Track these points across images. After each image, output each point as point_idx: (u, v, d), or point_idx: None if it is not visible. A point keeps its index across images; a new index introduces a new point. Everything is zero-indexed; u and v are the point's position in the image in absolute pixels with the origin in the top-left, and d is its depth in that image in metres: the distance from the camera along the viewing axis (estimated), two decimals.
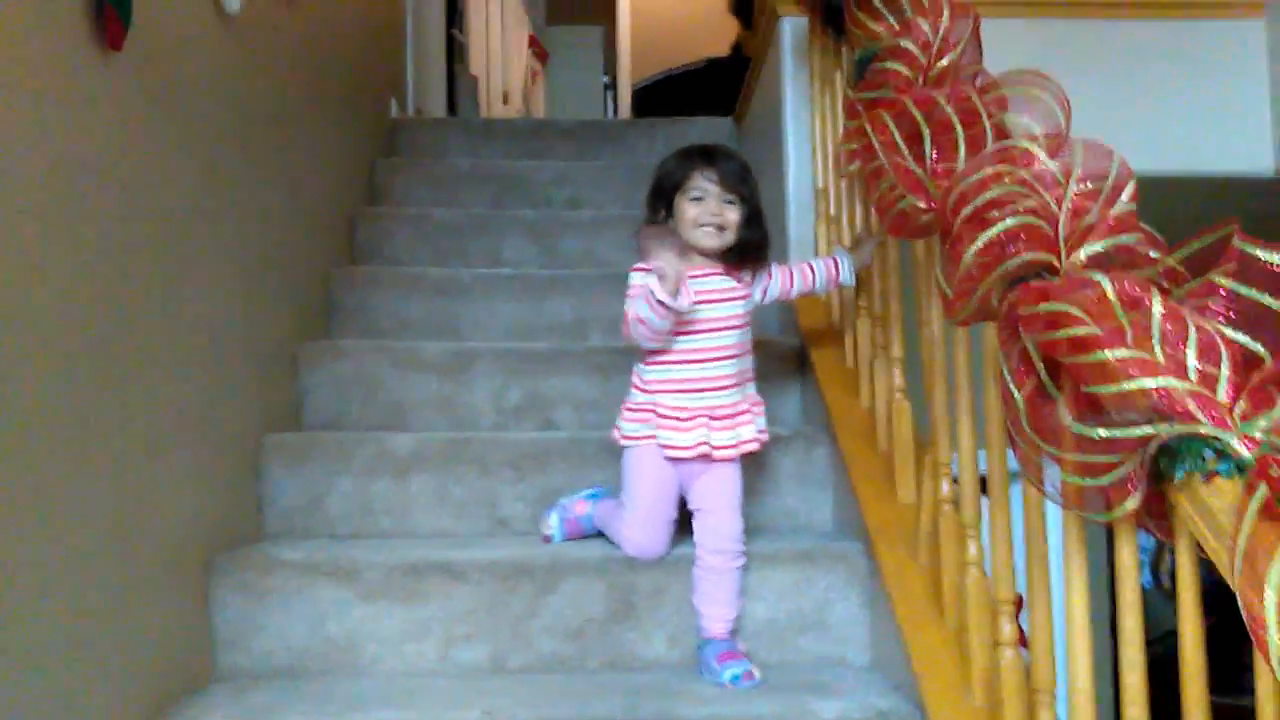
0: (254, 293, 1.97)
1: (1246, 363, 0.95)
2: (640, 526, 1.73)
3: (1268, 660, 0.72)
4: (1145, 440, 0.89)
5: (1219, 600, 0.93)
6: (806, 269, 1.89)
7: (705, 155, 1.74)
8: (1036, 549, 1.24)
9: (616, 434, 1.78)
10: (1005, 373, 1.10)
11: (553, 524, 1.88)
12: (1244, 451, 0.85)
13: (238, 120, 1.90)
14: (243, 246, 1.91)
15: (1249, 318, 0.98)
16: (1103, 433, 0.92)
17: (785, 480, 2.00)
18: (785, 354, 2.27)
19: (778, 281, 1.86)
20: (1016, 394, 1.07)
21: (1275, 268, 0.97)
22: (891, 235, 1.69)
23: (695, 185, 1.71)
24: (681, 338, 1.72)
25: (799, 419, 2.24)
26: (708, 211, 1.70)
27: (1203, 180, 2.35)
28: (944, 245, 1.27)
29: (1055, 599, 1.21)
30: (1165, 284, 1.07)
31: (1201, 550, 0.91)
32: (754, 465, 1.97)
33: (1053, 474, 1.05)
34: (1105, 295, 0.98)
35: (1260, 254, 0.97)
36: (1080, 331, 0.95)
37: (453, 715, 1.48)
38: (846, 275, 1.91)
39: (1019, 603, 1.36)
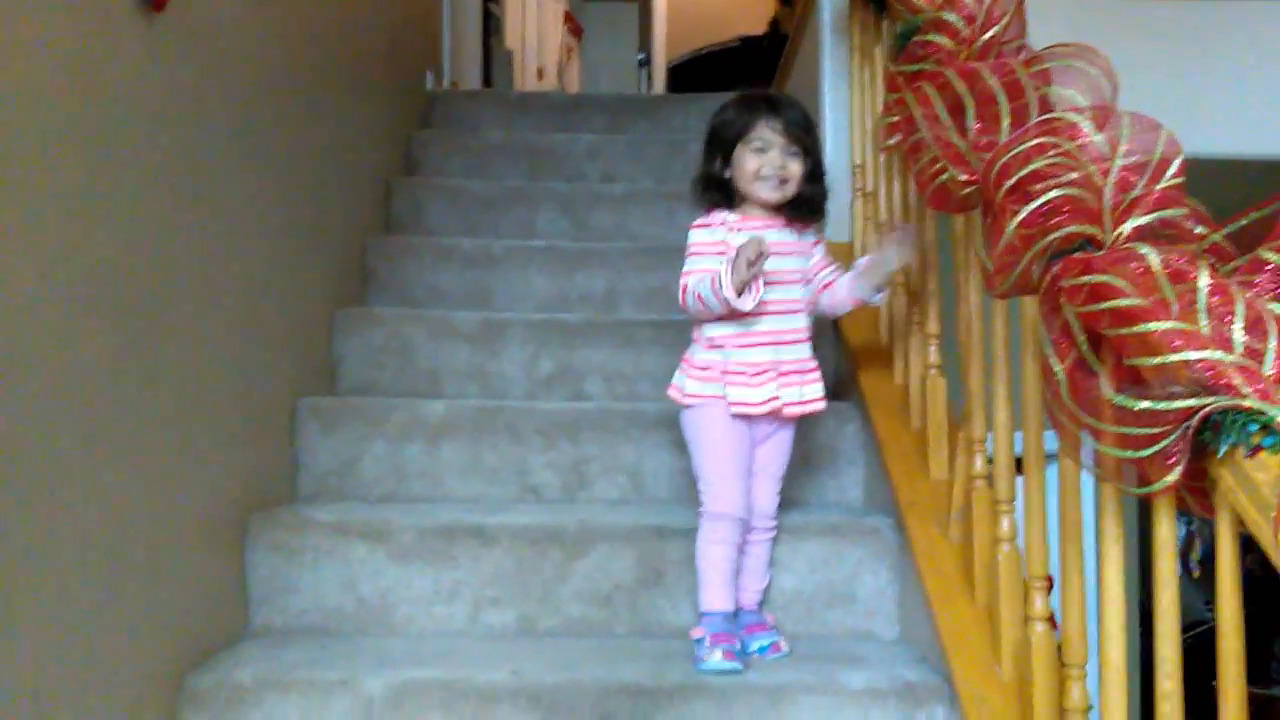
0: (291, 258, 1.99)
1: None
2: (727, 480, 1.62)
3: None
4: (1188, 413, 0.88)
5: (1248, 592, 0.92)
6: (838, 292, 1.73)
7: (769, 103, 1.65)
8: (1071, 524, 1.23)
9: (676, 394, 1.69)
10: (1046, 346, 1.09)
11: (715, 656, 1.56)
12: None
13: (276, 86, 1.92)
14: (280, 211, 1.92)
15: None
16: (1145, 405, 0.91)
17: (815, 454, 2.00)
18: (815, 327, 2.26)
19: (827, 273, 1.73)
20: (1057, 367, 1.07)
21: None
22: (932, 209, 1.67)
23: (758, 135, 1.62)
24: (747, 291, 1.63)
25: (829, 394, 2.23)
26: (771, 163, 1.62)
27: (1256, 163, 2.32)
28: (985, 218, 1.26)
29: (1089, 575, 1.20)
30: (1212, 260, 1.06)
31: (1242, 526, 0.90)
32: None
33: (1091, 448, 1.04)
34: (1150, 268, 0.97)
35: None
36: (1124, 303, 0.94)
37: (481, 675, 1.50)
38: (873, 297, 1.73)
39: (1049, 583, 1.36)
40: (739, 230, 1.65)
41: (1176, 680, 1.00)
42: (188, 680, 1.47)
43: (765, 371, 1.64)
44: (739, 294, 1.55)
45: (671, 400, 1.71)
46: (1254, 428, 0.86)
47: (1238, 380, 0.86)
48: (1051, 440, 1.27)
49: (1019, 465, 1.45)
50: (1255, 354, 0.90)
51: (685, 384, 1.68)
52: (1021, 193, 1.14)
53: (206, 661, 1.53)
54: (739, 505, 1.63)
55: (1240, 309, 0.92)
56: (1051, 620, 1.33)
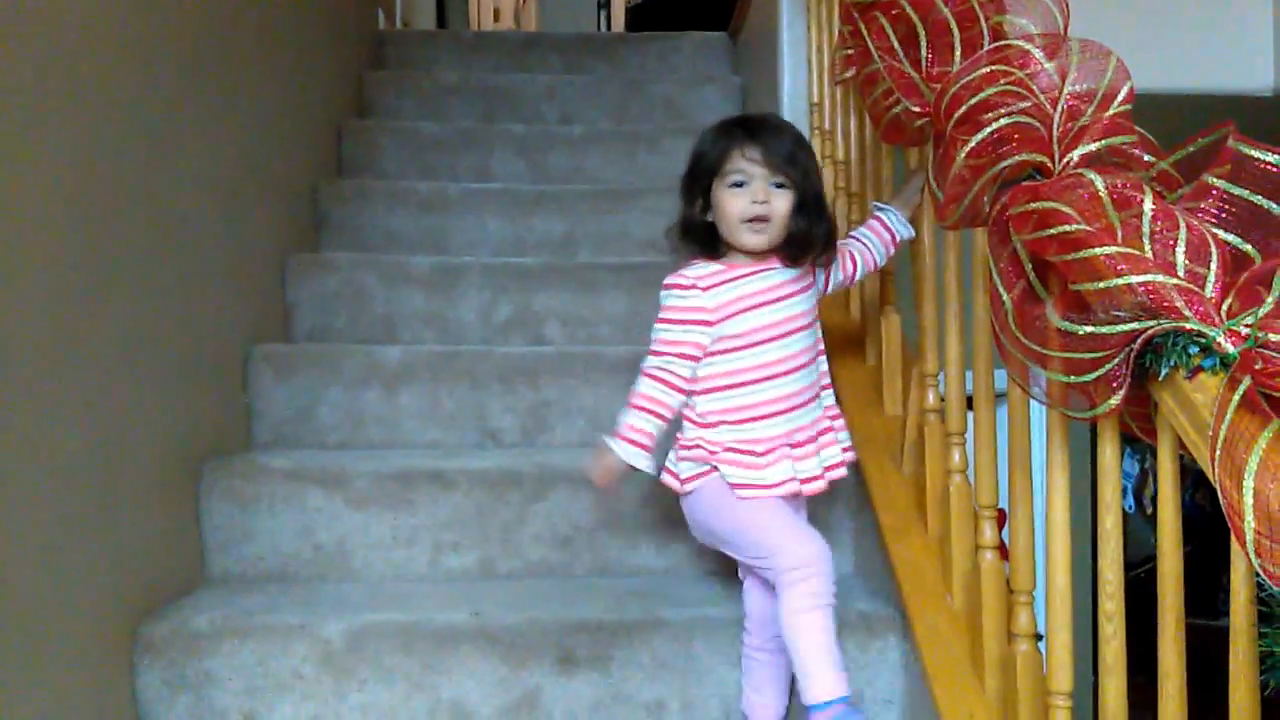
0: (240, 202, 1.95)
1: (1236, 262, 0.94)
2: (786, 529, 1.36)
3: (1243, 547, 0.73)
4: (1131, 336, 0.89)
5: (1197, 527, 0.93)
6: (861, 247, 1.56)
7: (746, 127, 1.40)
8: (1020, 455, 1.25)
9: (673, 481, 1.44)
10: (994, 275, 1.09)
11: None
12: (1229, 347, 0.84)
13: (222, 25, 1.86)
14: (227, 155, 1.88)
15: (1241, 219, 0.98)
16: (1089, 329, 0.92)
17: None
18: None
19: (837, 269, 1.53)
20: (1005, 296, 1.07)
21: (1269, 167, 0.96)
22: (885, 142, 1.66)
23: (735, 168, 1.37)
24: (739, 354, 1.40)
25: None
26: (750, 200, 1.36)
27: (1199, 98, 2.32)
28: (936, 150, 1.25)
29: (1037, 505, 1.22)
30: (1159, 188, 1.06)
31: (1183, 447, 0.92)
32: None
33: (1038, 377, 1.05)
34: (1096, 194, 0.97)
35: (1254, 154, 0.96)
36: (1070, 229, 0.94)
37: (441, 616, 1.50)
38: (900, 226, 1.57)
39: (1001, 517, 1.38)
40: (716, 287, 1.40)
41: (1118, 601, 1.02)
42: (143, 628, 1.46)
43: (774, 449, 1.38)
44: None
45: (668, 480, 1.46)
46: (1194, 350, 0.87)
47: (1179, 303, 0.87)
48: (1002, 379, 1.29)
49: (970, 402, 1.46)
50: (1197, 278, 0.90)
51: (679, 466, 1.43)
52: (971, 122, 1.14)
53: (162, 609, 1.52)
54: (816, 543, 1.34)
55: (1183, 233, 0.92)
56: (1001, 550, 1.35)
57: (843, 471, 1.46)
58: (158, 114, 1.58)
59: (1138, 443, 1.13)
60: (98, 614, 1.38)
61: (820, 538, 1.36)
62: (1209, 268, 0.91)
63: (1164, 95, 2.18)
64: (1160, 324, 0.87)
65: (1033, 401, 1.21)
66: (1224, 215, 0.98)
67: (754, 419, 1.39)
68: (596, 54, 3.37)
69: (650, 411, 1.40)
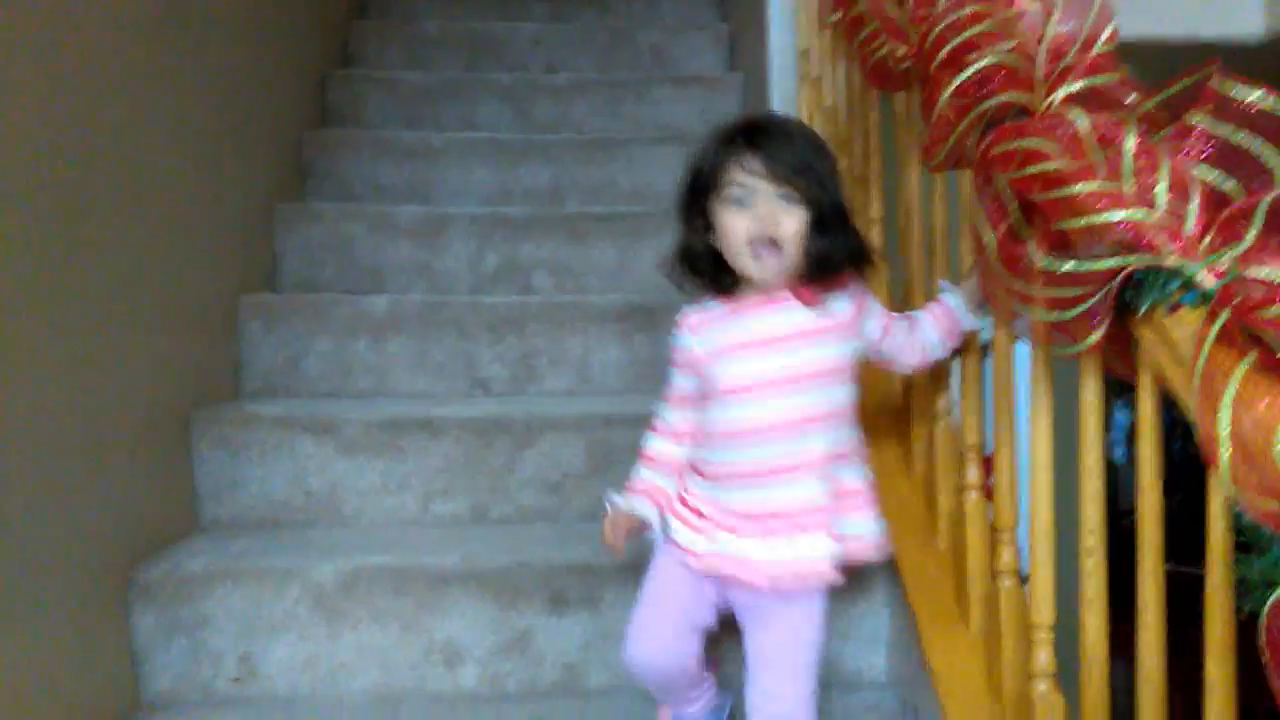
0: (222, 152, 1.93)
1: (1217, 200, 0.95)
2: (638, 624, 1.28)
3: (1220, 477, 0.75)
4: (1112, 273, 0.90)
5: (1185, 476, 0.94)
6: (921, 333, 1.31)
7: (745, 134, 1.18)
8: (1004, 397, 1.26)
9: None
10: (978, 217, 1.10)
11: None
12: (1209, 282, 0.86)
13: None
14: (208, 104, 1.86)
15: (1223, 157, 0.98)
16: (1070, 266, 0.92)
17: None
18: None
19: (897, 336, 1.29)
20: (988, 236, 1.08)
21: (1250, 106, 0.97)
22: (872, 85, 1.65)
23: (733, 180, 1.16)
24: (720, 403, 1.22)
25: None
26: (752, 221, 1.15)
27: (1188, 45, 2.32)
28: (922, 91, 1.25)
29: (1021, 445, 1.24)
30: (1143, 128, 1.06)
31: (1162, 382, 0.93)
32: None
33: (1022, 316, 1.06)
34: (1079, 132, 0.98)
35: (1237, 92, 0.96)
36: (1051, 167, 0.95)
37: (432, 560, 1.52)
38: (965, 315, 1.31)
39: (987, 463, 1.40)
40: (705, 327, 1.23)
41: (1099, 537, 1.04)
42: (137, 572, 1.47)
43: (729, 518, 1.21)
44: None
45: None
46: (1174, 285, 0.88)
47: (1159, 239, 0.88)
48: (987, 330, 1.30)
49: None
50: (1178, 214, 0.91)
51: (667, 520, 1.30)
52: (955, 63, 1.14)
53: (156, 554, 1.53)
54: (639, 654, 1.28)
55: (1164, 170, 0.93)
56: (985, 490, 1.37)
57: (825, 569, 1.19)
58: (136, 62, 1.57)
59: (1123, 395, 1.14)
60: (92, 559, 1.40)
61: (649, 657, 1.27)
62: (1190, 205, 0.92)
63: (1152, 43, 2.18)
64: (1141, 260, 0.88)
65: (1018, 345, 1.24)
66: (1206, 154, 0.99)
67: (722, 478, 1.22)
68: (582, 1, 3.34)
69: (645, 458, 1.32)
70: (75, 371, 1.37)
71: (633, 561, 1.53)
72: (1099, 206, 0.90)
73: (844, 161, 1.98)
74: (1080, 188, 0.92)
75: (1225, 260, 0.86)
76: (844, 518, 1.22)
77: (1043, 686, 1.12)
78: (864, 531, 1.24)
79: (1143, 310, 0.90)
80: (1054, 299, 0.96)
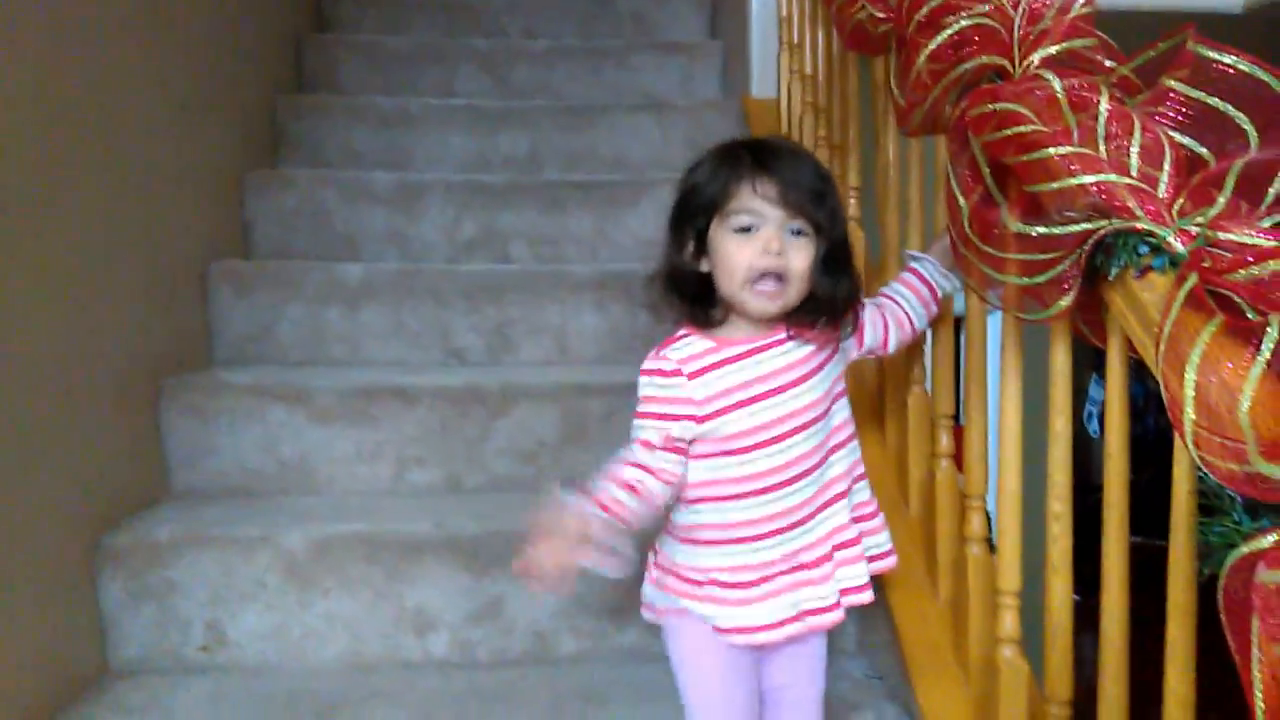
0: (193, 117, 1.90)
1: (1191, 165, 0.95)
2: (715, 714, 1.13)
3: (1183, 440, 0.74)
4: (1083, 237, 0.89)
5: (1158, 452, 0.93)
6: (895, 307, 1.24)
7: (756, 156, 1.07)
8: (975, 366, 1.26)
9: (647, 612, 1.18)
10: (952, 181, 1.09)
11: None
12: (1179, 246, 0.85)
13: None
14: (179, 67, 1.83)
15: (1198, 122, 0.98)
16: (1041, 230, 0.92)
17: None
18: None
19: (869, 331, 1.21)
20: (963, 202, 1.07)
21: (1226, 69, 0.96)
22: (850, 50, 1.63)
23: (743, 206, 1.06)
24: (726, 460, 1.08)
25: None
26: (761, 250, 1.05)
27: (1169, 14, 2.30)
28: (899, 55, 1.24)
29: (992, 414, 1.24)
30: (1119, 94, 1.05)
31: (1131, 349, 0.93)
32: None
33: (995, 282, 1.05)
34: (1054, 95, 0.97)
35: (1213, 56, 0.95)
36: (1026, 129, 0.94)
37: (405, 527, 1.51)
38: (940, 278, 1.25)
39: (958, 432, 1.40)
40: (704, 374, 1.08)
41: (1065, 502, 1.04)
42: (105, 539, 1.46)
43: (774, 576, 1.09)
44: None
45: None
46: (1144, 250, 0.87)
47: (1131, 203, 0.87)
48: (959, 302, 1.29)
49: None
50: (1150, 178, 0.90)
51: (649, 592, 1.17)
52: (932, 25, 1.12)
53: (125, 521, 1.52)
54: None
55: (1138, 135, 0.92)
56: (956, 459, 1.37)
57: (868, 596, 1.12)
58: (108, 24, 1.54)
59: (1099, 370, 1.12)
60: (60, 526, 1.38)
61: None
62: (1162, 169, 0.92)
63: (1132, 12, 2.17)
64: (1112, 224, 0.87)
65: (990, 315, 1.23)
66: (1181, 118, 0.98)
67: (749, 539, 1.08)
68: None
69: (620, 483, 1.11)
70: (43, 337, 1.35)
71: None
72: (1072, 169, 0.89)
73: (823, 129, 1.96)
74: (1054, 151, 0.91)
75: (1196, 224, 0.85)
76: (869, 537, 1.15)
77: (1008, 652, 1.12)
78: (884, 542, 1.17)
79: (1113, 274, 0.89)
80: (1026, 263, 0.96)
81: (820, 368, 1.11)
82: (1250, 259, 0.78)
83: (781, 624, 1.08)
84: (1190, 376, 0.74)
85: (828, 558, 1.10)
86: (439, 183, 2.19)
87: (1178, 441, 0.82)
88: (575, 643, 1.50)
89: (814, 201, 1.06)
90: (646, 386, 1.11)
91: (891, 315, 1.24)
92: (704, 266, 1.09)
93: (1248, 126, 0.94)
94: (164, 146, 1.76)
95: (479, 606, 1.49)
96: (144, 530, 1.48)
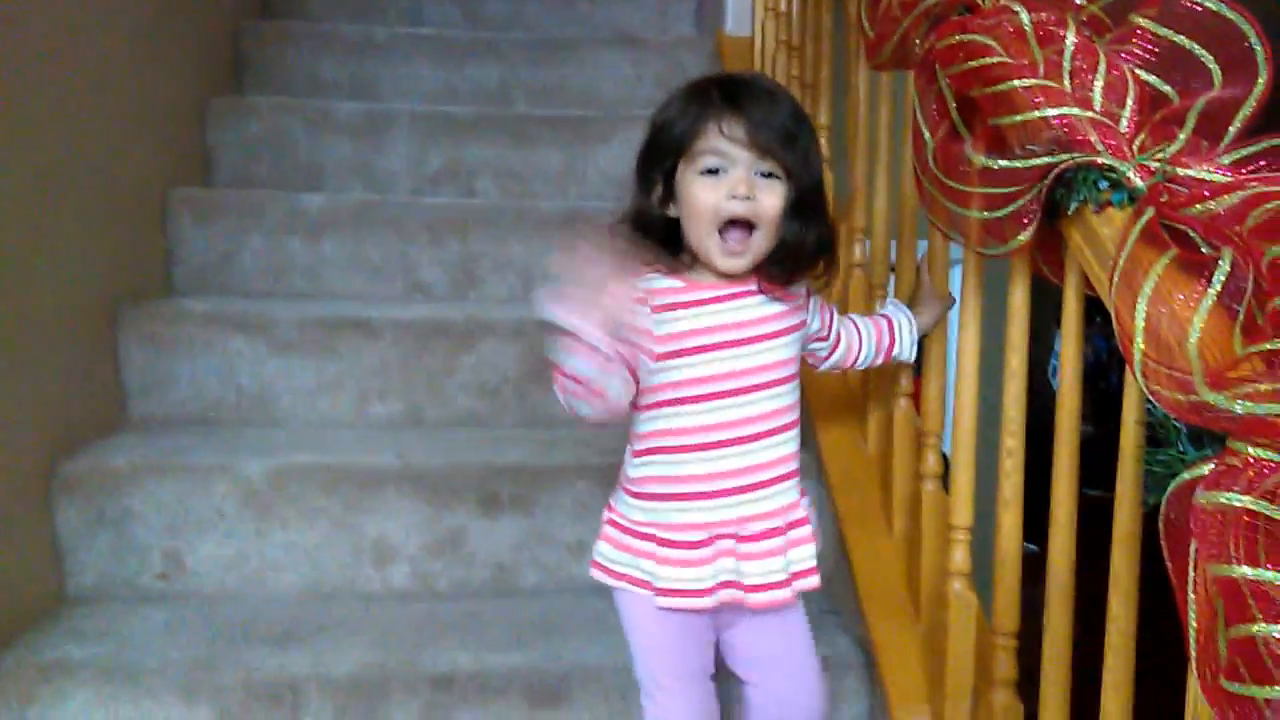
0: (155, 41, 1.85)
1: (1155, 102, 0.94)
2: (673, 686, 1.10)
3: (1133, 370, 0.75)
4: (1044, 171, 0.89)
5: (1115, 409, 0.91)
6: (856, 333, 1.21)
7: (726, 93, 1.01)
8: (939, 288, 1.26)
9: (597, 571, 1.12)
10: (919, 117, 1.08)
11: None
12: (1138, 181, 0.85)
13: None
14: None
15: (1164, 60, 0.97)
16: (1003, 163, 0.91)
17: None
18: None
19: (843, 329, 1.19)
20: (928, 136, 1.06)
21: (1195, 6, 0.95)
22: None
23: (709, 147, 1.00)
24: (687, 408, 1.03)
25: None
26: (728, 194, 0.99)
27: None
28: None
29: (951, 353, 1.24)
30: (1087, 30, 1.05)
31: (1089, 286, 0.93)
32: None
33: (958, 218, 1.05)
34: (1021, 28, 0.96)
35: None
36: (991, 61, 0.93)
37: (365, 459, 1.50)
38: (905, 349, 1.23)
39: (917, 383, 1.40)
40: (666, 310, 1.02)
41: (1019, 439, 1.05)
42: (61, 466, 1.44)
43: (714, 539, 1.04)
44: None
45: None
46: (1104, 184, 0.87)
47: (1093, 137, 0.87)
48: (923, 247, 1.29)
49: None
50: (1112, 114, 0.90)
51: (602, 549, 1.12)
52: None
53: (82, 449, 1.50)
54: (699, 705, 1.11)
55: (1102, 69, 0.92)
56: (915, 398, 1.38)
57: (815, 581, 1.08)
58: None
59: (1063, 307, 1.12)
60: (16, 453, 1.36)
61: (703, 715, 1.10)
62: (1125, 105, 0.91)
63: None
64: (1073, 158, 0.87)
65: (951, 269, 1.23)
66: (1148, 55, 0.98)
67: (694, 495, 1.04)
68: None
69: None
70: None
71: (568, 466, 1.53)
72: (1035, 103, 0.89)
73: (796, 68, 1.94)
74: (1018, 83, 0.91)
75: (1155, 160, 0.85)
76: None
77: (958, 585, 1.14)
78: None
79: (1072, 209, 0.89)
80: (988, 198, 0.95)
81: (790, 330, 1.07)
82: (1207, 194, 0.78)
83: (713, 589, 1.03)
84: (1141, 308, 0.74)
85: (780, 531, 1.05)
86: (405, 113, 2.15)
87: (1128, 374, 0.83)
88: (536, 575, 1.51)
89: (785, 143, 1.00)
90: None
91: (846, 335, 1.20)
92: (672, 211, 1.03)
93: (1212, 65, 0.94)
94: (123, 71, 1.71)
95: (439, 538, 1.50)
96: (101, 458, 1.47)
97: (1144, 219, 0.79)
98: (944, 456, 1.29)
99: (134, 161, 1.76)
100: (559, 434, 1.68)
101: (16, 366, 1.36)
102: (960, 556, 1.14)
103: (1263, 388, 0.64)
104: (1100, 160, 0.86)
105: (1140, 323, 0.74)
